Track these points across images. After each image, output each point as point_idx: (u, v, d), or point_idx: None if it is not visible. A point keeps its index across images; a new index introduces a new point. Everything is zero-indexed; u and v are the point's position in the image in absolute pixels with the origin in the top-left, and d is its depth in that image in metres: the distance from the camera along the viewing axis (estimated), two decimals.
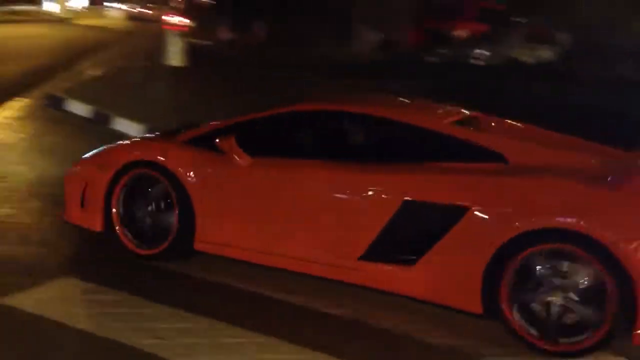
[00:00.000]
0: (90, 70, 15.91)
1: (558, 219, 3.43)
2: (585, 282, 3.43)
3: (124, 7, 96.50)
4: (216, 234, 4.33)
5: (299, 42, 21.05)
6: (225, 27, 22.24)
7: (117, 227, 4.57)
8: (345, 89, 12.93)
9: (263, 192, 4.23)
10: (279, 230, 4.20)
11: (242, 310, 4.03)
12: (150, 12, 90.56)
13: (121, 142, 5.06)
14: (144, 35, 39.45)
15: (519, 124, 4.83)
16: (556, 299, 3.46)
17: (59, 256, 4.75)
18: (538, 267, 3.50)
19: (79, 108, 10.61)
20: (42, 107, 10.88)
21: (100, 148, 4.92)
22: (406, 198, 3.75)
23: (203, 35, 25.00)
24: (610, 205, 3.50)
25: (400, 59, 20.22)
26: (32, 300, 3.97)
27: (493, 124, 4.71)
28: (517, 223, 3.48)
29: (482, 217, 3.58)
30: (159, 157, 4.39)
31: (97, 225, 4.60)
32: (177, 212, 4.36)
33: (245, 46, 20.38)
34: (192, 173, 4.31)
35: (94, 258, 4.74)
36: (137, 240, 4.56)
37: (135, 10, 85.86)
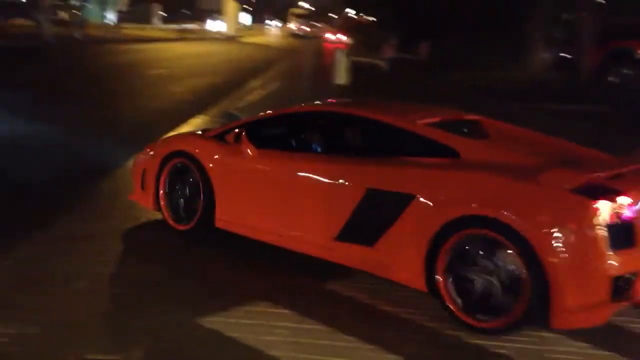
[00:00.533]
0: (262, 88, 16.18)
1: (477, 207, 3.85)
2: (506, 267, 3.74)
3: (284, 24, 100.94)
4: (230, 213, 5.11)
5: (467, 61, 20.21)
6: (389, 45, 21.80)
7: (162, 204, 5.46)
8: (520, 113, 12.06)
9: (264, 179, 4.97)
10: (276, 212, 4.88)
11: None
12: (310, 29, 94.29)
13: (173, 135, 5.93)
14: (307, 53, 40.40)
15: (517, 129, 5.16)
16: (481, 279, 3.82)
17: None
18: (470, 250, 3.86)
19: None
20: (220, 125, 11.06)
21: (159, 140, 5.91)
22: (369, 187, 4.31)
23: (365, 53, 24.88)
24: (529, 197, 3.79)
25: (579, 80, 18.80)
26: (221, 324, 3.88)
27: (491, 127, 5.15)
28: (448, 210, 3.94)
29: (425, 205, 4.05)
30: (190, 149, 5.30)
31: (151, 204, 5.55)
32: (202, 194, 5.18)
33: (411, 65, 19.79)
34: (213, 162, 5.15)
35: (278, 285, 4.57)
36: (176, 216, 5.42)
37: (295, 28, 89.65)
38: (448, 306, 3.96)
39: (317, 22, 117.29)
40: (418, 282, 4.10)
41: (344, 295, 4.41)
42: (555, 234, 3.59)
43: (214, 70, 23.05)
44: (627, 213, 3.65)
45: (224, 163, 5.13)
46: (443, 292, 3.97)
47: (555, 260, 3.56)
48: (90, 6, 41.98)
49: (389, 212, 4.20)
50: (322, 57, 37.19)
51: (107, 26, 38.59)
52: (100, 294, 4.32)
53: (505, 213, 3.71)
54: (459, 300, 3.93)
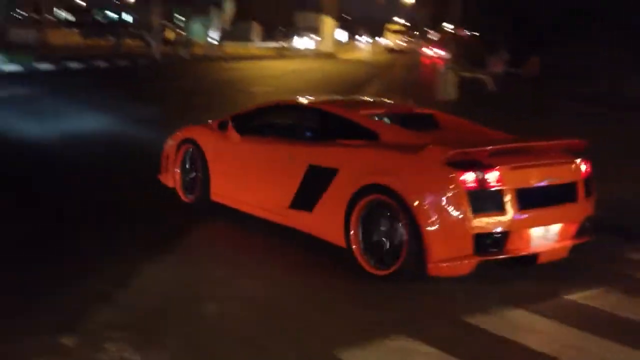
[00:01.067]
0: None
1: (377, 178, 4.77)
2: (396, 227, 4.61)
3: (379, 40, 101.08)
4: (220, 189, 6.15)
5: (583, 73, 19.31)
6: (498, 59, 21.17)
7: (177, 181, 6.53)
8: None
9: (243, 160, 6.01)
10: (249, 187, 5.94)
11: None
12: (406, 44, 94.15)
13: (187, 125, 6.81)
14: (405, 68, 40.20)
15: (466, 122, 5.95)
16: (379, 236, 4.73)
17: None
18: (374, 212, 4.77)
19: None
20: None
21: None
22: (310, 163, 5.30)
23: (467, 68, 24.41)
24: (412, 168, 4.67)
25: None
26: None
27: (443, 120, 6.03)
28: (359, 180, 4.85)
29: (345, 176, 5.00)
30: (194, 136, 6.41)
31: (170, 183, 6.60)
32: (199, 172, 6.30)
33: (521, 79, 19.10)
34: (209, 147, 6.23)
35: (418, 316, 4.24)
36: (185, 191, 6.49)
37: (391, 43, 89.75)
38: (356, 257, 4.84)
39: (412, 37, 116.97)
40: (341, 240, 4.97)
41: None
42: (427, 199, 4.43)
43: (316, 87, 23.30)
44: (492, 183, 4.39)
45: (216, 147, 6.21)
46: (353, 245, 4.84)
47: (426, 220, 4.40)
48: (195, 26, 43.67)
49: (322, 183, 5.15)
50: (420, 72, 36.91)
51: (210, 45, 40.00)
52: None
53: (394, 181, 4.62)
54: (365, 253, 4.80)
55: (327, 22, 62.64)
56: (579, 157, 4.95)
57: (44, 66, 22.21)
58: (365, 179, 4.82)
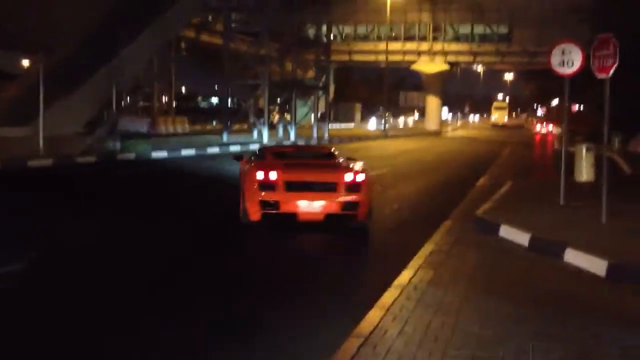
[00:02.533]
0: (497, 188, 14.62)
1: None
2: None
3: (483, 117, 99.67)
4: (241, 206, 9.95)
5: None
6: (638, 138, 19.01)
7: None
8: None
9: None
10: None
11: None
12: (511, 120, 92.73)
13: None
14: (521, 145, 38.29)
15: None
16: None
17: None
18: None
19: (516, 235, 9.13)
20: (470, 232, 9.71)
21: None
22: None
23: (601, 147, 22.36)
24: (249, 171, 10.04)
25: None
26: None
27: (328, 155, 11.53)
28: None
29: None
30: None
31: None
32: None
33: None
34: (242, 173, 10.99)
35: None
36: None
37: (497, 119, 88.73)
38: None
39: (517, 113, 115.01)
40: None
41: None
42: (245, 183, 9.92)
43: (434, 168, 22.04)
44: (273, 178, 9.35)
45: (242, 172, 10.78)
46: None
47: (243, 192, 9.88)
48: (299, 109, 43.98)
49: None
50: (536, 149, 34.89)
51: (315, 127, 39.85)
52: None
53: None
54: None
55: (431, 100, 61.87)
56: (349, 175, 9.59)
57: (159, 154, 22.24)
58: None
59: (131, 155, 20.84)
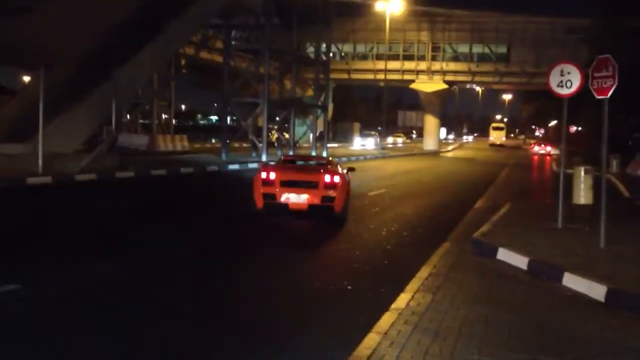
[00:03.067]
0: (496, 210, 14.61)
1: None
2: None
3: (480, 137, 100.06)
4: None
5: None
6: (637, 161, 18.90)
7: None
8: None
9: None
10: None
11: None
12: (508, 140, 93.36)
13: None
14: (518, 167, 38.32)
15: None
16: None
17: None
18: None
19: (514, 258, 9.10)
20: (468, 254, 9.68)
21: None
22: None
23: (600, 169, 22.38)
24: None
25: None
26: None
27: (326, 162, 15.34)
28: None
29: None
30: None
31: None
32: None
33: None
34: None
35: None
36: None
37: (494, 139, 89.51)
38: None
39: (514, 133, 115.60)
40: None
41: None
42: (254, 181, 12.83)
43: (433, 189, 22.03)
44: (272, 177, 12.52)
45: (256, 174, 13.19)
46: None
47: (253, 187, 12.80)
48: (298, 128, 44.10)
49: None
50: (534, 171, 34.90)
51: (314, 146, 39.89)
52: None
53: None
54: None
55: (430, 119, 62.04)
56: (327, 177, 12.61)
57: (158, 172, 22.21)
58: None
59: (130, 173, 20.80)
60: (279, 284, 7.95)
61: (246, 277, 8.35)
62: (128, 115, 38.84)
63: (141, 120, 36.21)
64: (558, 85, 11.20)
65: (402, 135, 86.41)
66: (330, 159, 16.09)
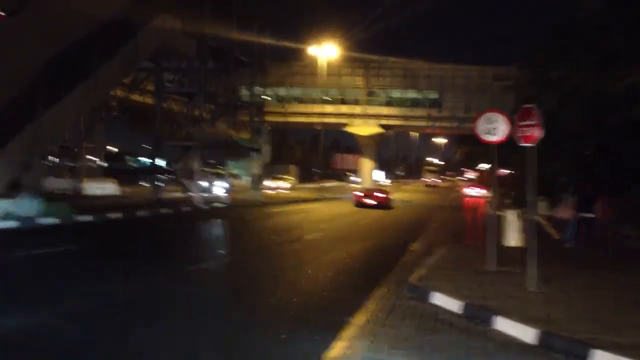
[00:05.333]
0: (430, 255, 14.67)
1: None
2: None
3: (417, 178, 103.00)
4: None
5: None
6: (567, 204, 19.25)
7: None
8: None
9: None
10: None
11: None
12: (442, 181, 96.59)
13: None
14: (450, 210, 39.06)
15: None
16: None
17: None
18: None
19: (449, 303, 9.04)
20: (405, 299, 9.56)
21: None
22: None
23: (530, 212, 22.92)
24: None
25: None
26: None
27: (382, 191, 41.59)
28: None
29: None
30: None
31: None
32: None
33: (597, 224, 17.03)
34: None
35: None
36: None
37: (429, 181, 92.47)
38: None
39: (447, 175, 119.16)
40: None
41: None
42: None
43: (369, 232, 22.08)
44: (359, 195, 38.09)
45: None
46: None
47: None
48: (232, 170, 43.69)
49: None
50: (468, 213, 35.61)
51: (251, 187, 39.55)
52: None
53: None
54: None
55: (365, 162, 62.83)
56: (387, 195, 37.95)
57: (84, 218, 21.36)
58: None
59: (54, 220, 19.89)
60: (205, 347, 7.60)
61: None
62: (56, 159, 37.53)
63: (69, 164, 34.98)
64: (486, 133, 11.37)
65: (286, 177, 62.59)
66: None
